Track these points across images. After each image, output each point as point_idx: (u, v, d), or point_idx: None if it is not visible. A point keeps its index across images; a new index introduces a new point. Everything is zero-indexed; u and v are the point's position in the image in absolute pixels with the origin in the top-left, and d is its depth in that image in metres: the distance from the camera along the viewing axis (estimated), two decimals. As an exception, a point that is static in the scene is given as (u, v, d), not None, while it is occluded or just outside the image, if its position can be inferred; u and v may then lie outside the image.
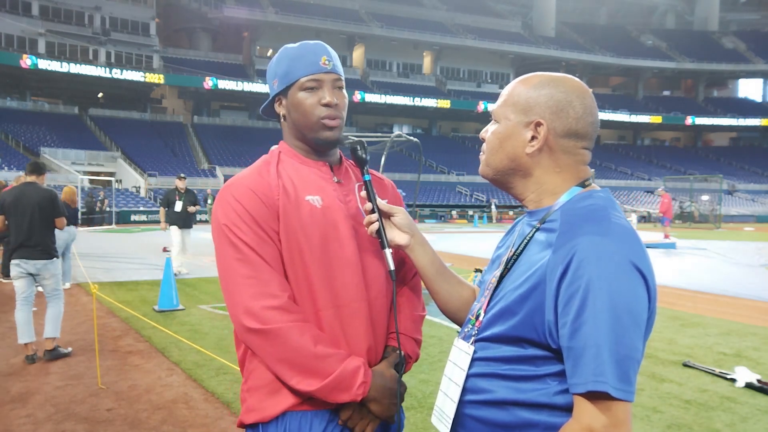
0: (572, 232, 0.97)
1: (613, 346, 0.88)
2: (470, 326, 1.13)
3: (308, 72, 1.30)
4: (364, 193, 1.30)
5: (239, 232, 1.23)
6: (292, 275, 1.26)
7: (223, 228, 1.25)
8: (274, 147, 1.43)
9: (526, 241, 1.08)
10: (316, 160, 1.37)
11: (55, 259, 5.01)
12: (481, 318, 1.10)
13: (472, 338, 1.11)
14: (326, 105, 1.30)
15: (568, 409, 0.97)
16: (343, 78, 1.37)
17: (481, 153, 1.17)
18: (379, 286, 1.34)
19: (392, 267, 1.26)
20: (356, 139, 1.37)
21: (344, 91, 1.36)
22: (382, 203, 1.29)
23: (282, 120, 1.38)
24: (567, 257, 0.94)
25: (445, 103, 50.22)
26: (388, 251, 1.27)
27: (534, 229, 1.07)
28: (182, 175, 9.94)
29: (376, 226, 1.27)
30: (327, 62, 1.31)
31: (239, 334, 1.22)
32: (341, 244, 1.29)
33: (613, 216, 1.00)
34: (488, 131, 1.15)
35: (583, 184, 1.09)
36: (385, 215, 1.29)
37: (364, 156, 1.33)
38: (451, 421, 1.10)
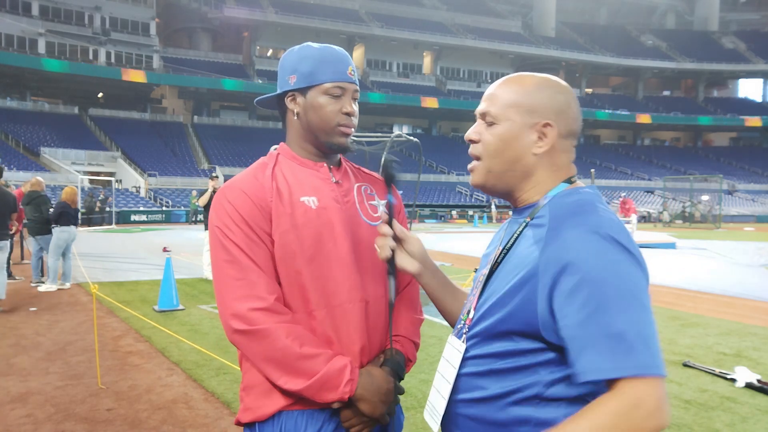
0: (562, 226, 0.98)
1: (635, 327, 0.88)
2: (462, 323, 1.14)
3: (336, 78, 1.32)
4: (385, 214, 1.29)
5: (230, 233, 1.25)
6: (285, 276, 1.27)
7: (215, 230, 1.27)
8: (273, 148, 1.43)
9: (515, 237, 1.08)
10: (315, 161, 1.38)
11: (8, 240, 7.09)
12: (471, 315, 1.11)
13: (464, 335, 1.11)
14: (347, 114, 1.33)
15: (559, 400, 0.99)
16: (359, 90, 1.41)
17: (475, 162, 1.14)
18: (378, 287, 1.34)
19: (393, 298, 1.29)
20: (391, 158, 1.35)
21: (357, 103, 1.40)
22: (399, 229, 1.28)
23: (293, 116, 1.36)
24: (560, 251, 0.95)
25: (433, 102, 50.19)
26: (392, 280, 1.27)
27: (523, 225, 1.08)
28: (215, 174, 9.78)
29: (387, 252, 1.25)
30: (352, 72, 1.35)
31: (227, 335, 1.24)
32: (336, 244, 1.29)
33: (600, 209, 1.01)
34: (481, 133, 1.13)
35: (569, 181, 1.11)
36: (399, 241, 1.28)
37: (394, 175, 1.34)
38: (440, 417, 1.11)
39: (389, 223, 1.26)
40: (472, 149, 1.14)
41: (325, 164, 1.39)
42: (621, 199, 17.13)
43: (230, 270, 1.23)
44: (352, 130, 1.35)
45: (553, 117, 1.08)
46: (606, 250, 0.93)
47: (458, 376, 1.09)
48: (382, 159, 1.34)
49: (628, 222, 15.99)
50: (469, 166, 1.16)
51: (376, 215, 1.40)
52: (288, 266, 1.26)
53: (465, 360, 1.09)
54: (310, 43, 1.38)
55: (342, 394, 1.18)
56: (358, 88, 1.37)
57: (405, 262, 1.26)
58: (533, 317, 0.98)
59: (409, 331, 1.40)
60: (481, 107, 1.14)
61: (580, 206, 1.02)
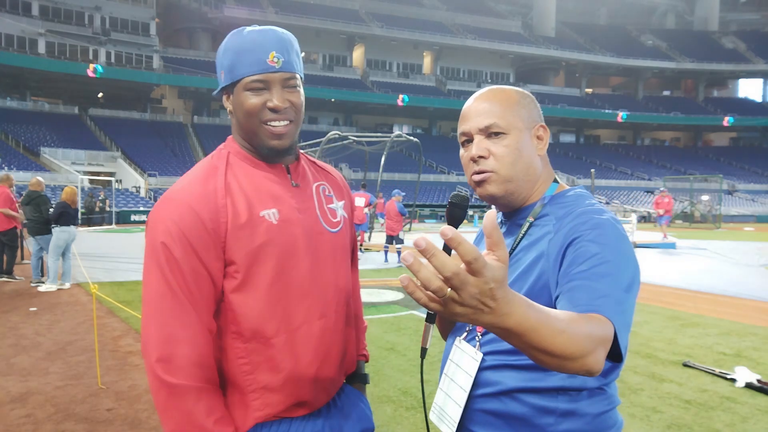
0: (570, 211, 1.06)
1: (625, 289, 0.95)
2: (471, 327, 1.13)
3: (253, 71, 1.13)
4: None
5: (175, 253, 1.09)
6: (241, 305, 1.14)
7: (159, 247, 1.10)
8: (221, 146, 1.28)
9: (519, 237, 1.11)
10: (269, 163, 1.22)
11: None
12: None
13: (477, 339, 1.11)
14: (272, 109, 1.15)
15: (580, 390, 1.01)
16: (297, 75, 1.19)
17: (488, 173, 1.10)
18: (337, 296, 1.24)
19: (427, 344, 1.00)
20: (463, 194, 1.15)
21: (299, 89, 1.19)
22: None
23: (229, 115, 1.23)
24: (572, 230, 1.01)
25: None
26: (432, 326, 1.11)
27: (528, 225, 1.11)
28: None
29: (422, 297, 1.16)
30: (275, 59, 1.14)
31: (147, 370, 1.10)
32: (298, 261, 1.17)
33: (597, 203, 1.10)
34: (489, 148, 1.10)
35: (555, 181, 1.19)
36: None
37: (462, 215, 1.08)
38: (456, 424, 1.09)
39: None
40: (483, 165, 1.10)
41: (282, 166, 1.23)
42: (659, 195, 17.07)
43: (164, 301, 1.09)
44: (287, 126, 1.16)
45: (541, 120, 1.17)
46: (613, 228, 1.01)
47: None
48: (450, 196, 1.08)
49: (627, 222, 15.97)
50: (479, 178, 1.11)
51: (335, 220, 1.28)
52: (246, 294, 1.13)
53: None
54: (235, 31, 1.18)
55: None
56: (291, 74, 1.16)
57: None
58: (548, 298, 0.99)
59: (363, 346, 1.48)
60: (483, 122, 1.10)
61: (581, 198, 1.12)
